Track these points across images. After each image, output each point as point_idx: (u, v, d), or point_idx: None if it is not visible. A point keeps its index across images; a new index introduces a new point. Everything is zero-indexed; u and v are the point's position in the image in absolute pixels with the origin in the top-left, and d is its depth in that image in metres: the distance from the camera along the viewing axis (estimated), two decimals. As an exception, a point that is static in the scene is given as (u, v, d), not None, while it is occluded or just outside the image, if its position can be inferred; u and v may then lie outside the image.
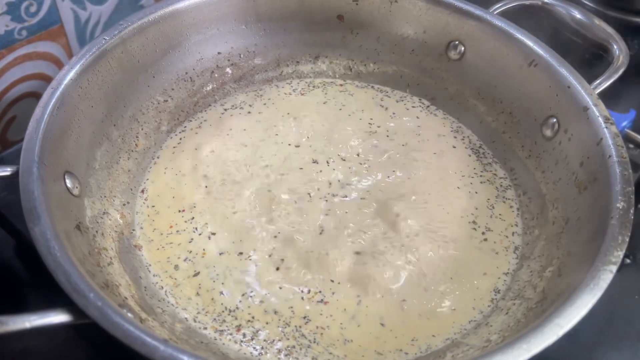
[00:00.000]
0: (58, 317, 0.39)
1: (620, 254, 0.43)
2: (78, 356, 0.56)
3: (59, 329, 0.52)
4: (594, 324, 0.61)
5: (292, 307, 0.52)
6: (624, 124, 0.73)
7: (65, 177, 0.51)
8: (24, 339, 0.56)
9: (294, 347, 0.50)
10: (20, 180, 0.46)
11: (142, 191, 0.61)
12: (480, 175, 0.64)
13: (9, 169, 0.48)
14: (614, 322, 0.62)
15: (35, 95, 0.75)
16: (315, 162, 0.62)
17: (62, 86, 0.54)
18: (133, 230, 0.57)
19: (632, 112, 0.74)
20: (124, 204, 0.58)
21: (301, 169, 0.62)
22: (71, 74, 0.55)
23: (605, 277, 0.42)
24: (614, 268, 0.43)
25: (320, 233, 0.56)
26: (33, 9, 0.69)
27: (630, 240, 0.70)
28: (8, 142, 0.76)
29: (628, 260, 0.71)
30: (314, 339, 0.51)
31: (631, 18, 0.96)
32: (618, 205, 0.47)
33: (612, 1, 0.96)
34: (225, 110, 0.69)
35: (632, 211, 0.46)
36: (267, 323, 0.51)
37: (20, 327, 0.38)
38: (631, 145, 0.73)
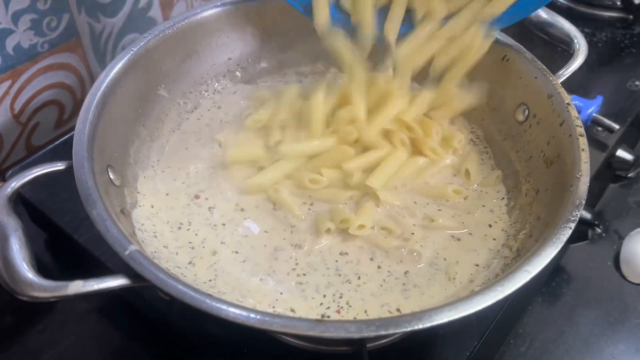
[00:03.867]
0: (120, 281, 0.46)
1: (577, 214, 0.50)
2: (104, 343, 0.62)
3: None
4: (573, 288, 0.69)
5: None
6: (592, 109, 0.80)
7: (108, 170, 0.58)
8: (50, 328, 0.62)
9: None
10: (75, 173, 0.52)
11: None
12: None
13: (60, 164, 0.55)
14: (590, 286, 0.70)
15: (56, 103, 0.81)
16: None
17: (100, 92, 0.59)
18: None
19: (599, 98, 0.81)
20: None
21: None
22: (107, 82, 0.61)
23: (565, 233, 0.49)
24: (573, 225, 0.49)
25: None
26: (54, 24, 0.74)
27: (601, 213, 0.78)
28: (32, 147, 0.81)
29: (599, 230, 0.78)
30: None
31: (598, 12, 1.04)
32: (577, 175, 0.53)
33: (581, -3, 1.04)
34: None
35: (587, 179, 0.53)
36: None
37: (89, 289, 0.45)
38: (599, 128, 0.81)
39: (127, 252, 0.47)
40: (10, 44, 0.71)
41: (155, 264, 0.47)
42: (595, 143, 0.80)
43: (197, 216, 0.63)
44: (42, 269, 0.65)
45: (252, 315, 0.44)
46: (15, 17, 0.70)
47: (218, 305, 0.44)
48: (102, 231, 0.49)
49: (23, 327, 0.63)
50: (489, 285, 0.46)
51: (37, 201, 0.67)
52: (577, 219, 0.50)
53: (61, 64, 0.80)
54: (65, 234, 0.65)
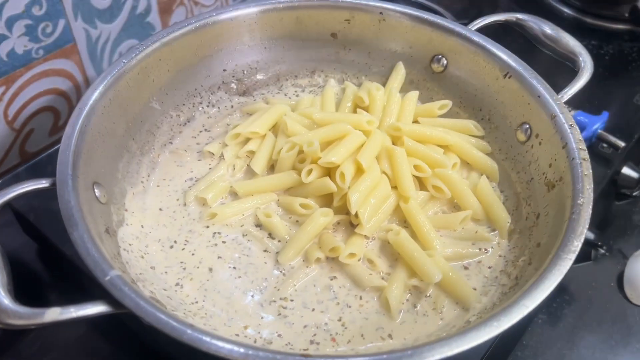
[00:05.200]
0: (98, 308, 0.45)
1: (578, 244, 0.48)
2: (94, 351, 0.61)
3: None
4: (575, 309, 0.67)
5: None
6: (597, 125, 0.78)
7: (94, 187, 0.56)
8: (41, 336, 0.61)
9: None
10: (57, 192, 0.51)
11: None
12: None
13: (45, 182, 0.53)
14: (592, 308, 0.67)
15: (52, 110, 0.80)
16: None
17: (87, 107, 0.58)
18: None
19: (605, 114, 0.79)
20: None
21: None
22: (95, 95, 0.59)
23: (566, 265, 0.47)
24: (573, 256, 0.48)
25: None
26: (49, 29, 0.73)
27: (605, 232, 0.76)
28: (27, 154, 0.80)
29: (602, 251, 0.76)
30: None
31: (605, 24, 1.01)
32: (579, 201, 0.52)
33: (588, 9, 1.01)
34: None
35: (590, 206, 0.51)
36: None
37: (67, 316, 0.44)
38: (604, 145, 0.79)
39: (107, 278, 0.46)
40: (4, 49, 0.70)
41: (136, 291, 0.45)
42: (600, 160, 0.78)
43: (193, 234, 0.62)
44: (33, 278, 0.66)
45: (236, 349, 0.42)
46: (9, 23, 0.69)
47: (200, 337, 0.43)
48: (83, 254, 0.47)
49: (14, 337, 0.62)
50: (484, 319, 0.44)
51: (26, 211, 0.66)
52: (578, 250, 0.48)
53: (56, 70, 0.79)
54: (54, 246, 0.63)
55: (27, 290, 0.62)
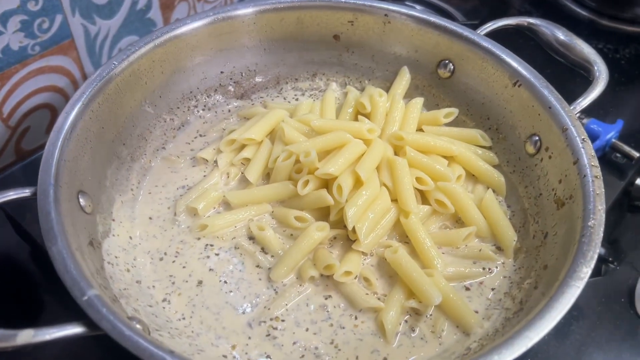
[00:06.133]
0: (74, 330, 0.43)
1: (588, 270, 0.46)
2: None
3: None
4: (583, 326, 0.63)
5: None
6: (611, 134, 0.75)
7: (79, 196, 0.54)
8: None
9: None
10: (38, 203, 0.49)
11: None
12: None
13: (27, 191, 0.51)
14: (601, 324, 0.64)
15: (48, 107, 0.78)
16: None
17: (75, 110, 0.56)
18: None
19: (620, 123, 0.76)
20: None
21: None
22: (83, 99, 0.57)
23: (574, 292, 0.45)
24: (582, 283, 0.45)
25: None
26: (45, 25, 0.71)
27: (616, 245, 0.73)
28: (23, 151, 0.79)
29: (613, 266, 0.73)
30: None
31: (622, 26, 0.98)
32: (589, 223, 0.49)
33: (604, 10, 0.98)
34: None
35: (602, 229, 0.49)
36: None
37: (40, 339, 0.42)
38: (618, 155, 0.76)
39: (85, 298, 0.43)
40: None
41: (115, 312, 0.43)
42: (613, 170, 0.75)
43: (185, 244, 0.60)
44: (27, 279, 0.64)
45: (216, 379, 0.40)
46: (4, 18, 0.67)
47: (180, 365, 0.40)
48: (60, 271, 0.45)
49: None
50: (484, 352, 0.42)
51: (17, 215, 0.64)
52: (588, 277, 0.46)
53: (53, 67, 0.77)
54: (44, 249, 0.61)
55: (21, 292, 0.62)
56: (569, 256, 0.48)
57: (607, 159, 0.74)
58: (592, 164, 0.53)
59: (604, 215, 0.50)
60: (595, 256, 0.47)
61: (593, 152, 0.54)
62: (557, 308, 0.44)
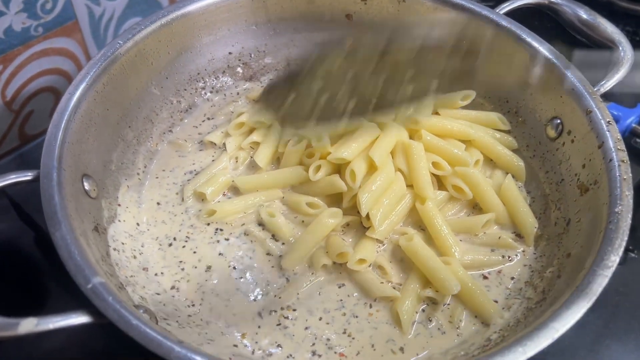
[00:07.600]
0: (79, 319, 0.41)
1: (616, 258, 0.44)
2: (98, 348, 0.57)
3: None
4: (600, 316, 0.62)
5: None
6: (632, 119, 0.73)
7: (83, 180, 0.52)
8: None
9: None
10: (41, 186, 0.47)
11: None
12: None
13: (29, 174, 0.50)
14: (618, 315, 0.63)
15: (52, 90, 0.77)
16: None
17: (79, 91, 0.55)
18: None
19: None
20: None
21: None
22: (87, 79, 0.56)
23: (601, 282, 0.43)
24: (610, 272, 0.43)
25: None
26: (49, 6, 0.70)
27: (636, 234, 0.71)
28: (26, 136, 0.77)
29: (633, 255, 0.71)
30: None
31: (643, 9, 0.95)
32: (617, 209, 0.47)
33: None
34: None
35: (630, 215, 0.47)
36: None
37: (44, 328, 0.40)
38: (638, 140, 0.74)
39: (89, 286, 0.42)
40: (0, 27, 0.67)
41: (121, 301, 0.41)
42: (633, 156, 0.72)
43: (195, 229, 0.58)
44: (32, 266, 0.63)
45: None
46: (7, -1, 0.66)
47: (188, 354, 0.39)
48: (64, 258, 0.44)
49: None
50: (508, 343, 0.40)
51: (21, 200, 0.63)
52: (616, 265, 0.43)
53: (57, 49, 0.75)
54: (48, 236, 0.60)
55: (25, 279, 0.62)
56: (595, 244, 0.46)
57: (627, 144, 0.72)
58: (619, 147, 0.51)
59: (631, 201, 0.48)
60: (624, 244, 0.45)
61: (619, 136, 0.52)
62: (585, 298, 0.42)
